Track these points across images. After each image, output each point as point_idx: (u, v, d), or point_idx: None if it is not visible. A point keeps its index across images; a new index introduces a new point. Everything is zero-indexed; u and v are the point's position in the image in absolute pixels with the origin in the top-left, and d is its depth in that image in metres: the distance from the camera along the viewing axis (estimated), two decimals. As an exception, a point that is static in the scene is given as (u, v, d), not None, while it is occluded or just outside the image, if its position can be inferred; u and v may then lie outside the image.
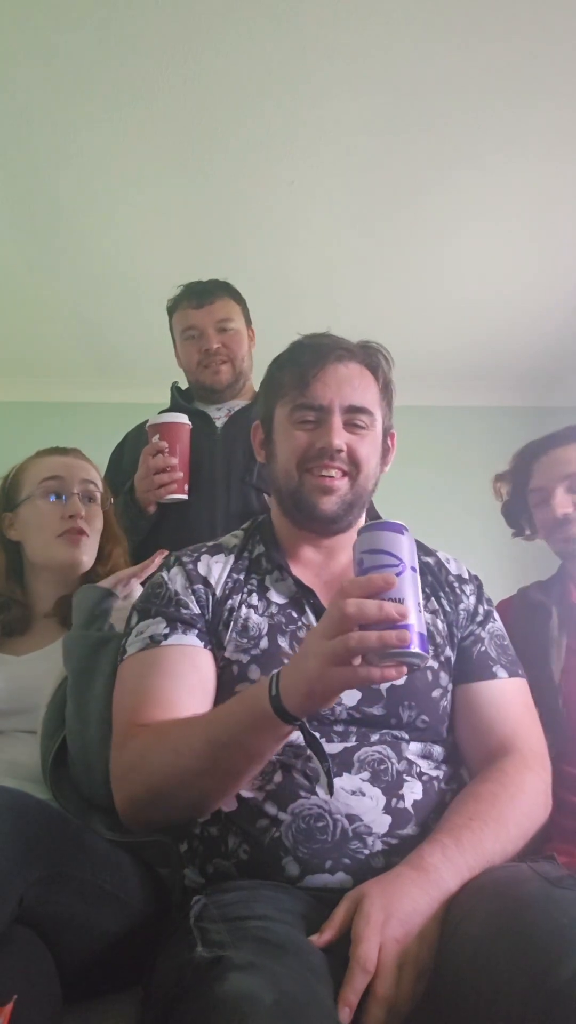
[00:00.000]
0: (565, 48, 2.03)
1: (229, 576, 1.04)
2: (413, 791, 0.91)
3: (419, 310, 3.26)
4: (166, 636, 0.97)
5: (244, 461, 1.69)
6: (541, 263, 2.95)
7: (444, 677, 1.01)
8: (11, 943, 0.71)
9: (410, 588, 0.73)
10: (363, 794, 0.88)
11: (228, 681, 0.96)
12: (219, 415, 1.80)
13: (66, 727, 1.08)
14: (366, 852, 0.85)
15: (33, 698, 1.15)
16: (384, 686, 0.95)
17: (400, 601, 0.71)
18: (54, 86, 2.15)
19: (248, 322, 1.85)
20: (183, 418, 1.65)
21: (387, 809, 0.88)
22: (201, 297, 1.78)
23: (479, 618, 1.07)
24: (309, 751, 0.89)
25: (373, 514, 1.30)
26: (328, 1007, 0.63)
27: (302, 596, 1.03)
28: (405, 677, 0.95)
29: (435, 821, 0.88)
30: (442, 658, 1.02)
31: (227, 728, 0.82)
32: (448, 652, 1.03)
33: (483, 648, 1.05)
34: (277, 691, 0.77)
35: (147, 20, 1.95)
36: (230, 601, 1.01)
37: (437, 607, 1.06)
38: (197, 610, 1.00)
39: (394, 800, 0.89)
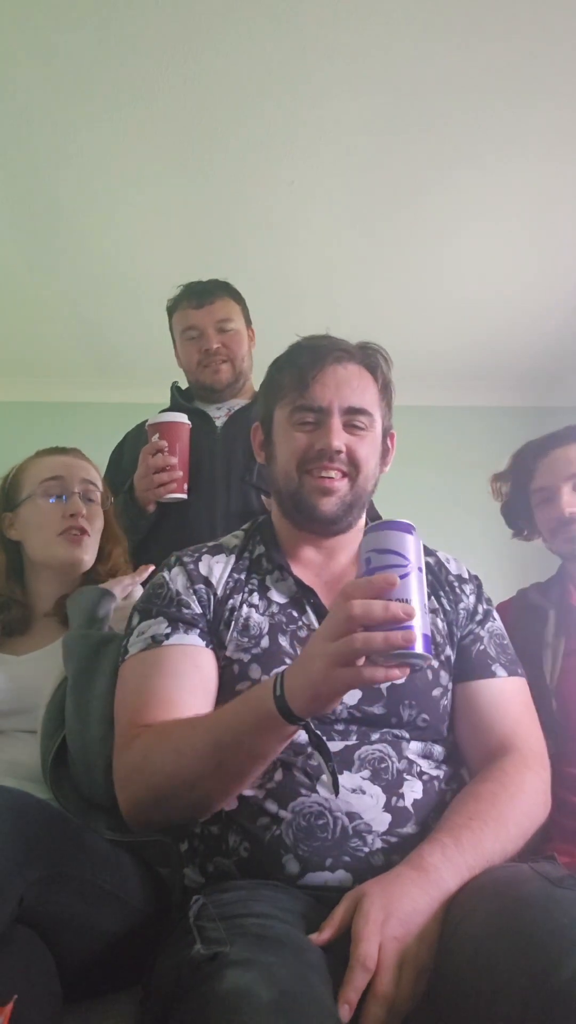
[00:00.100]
0: (565, 48, 2.04)
1: (230, 576, 1.04)
2: (413, 790, 0.91)
3: (419, 310, 3.26)
4: (168, 636, 0.97)
5: (244, 460, 1.69)
6: (541, 263, 2.95)
7: (444, 676, 1.01)
8: (11, 943, 0.71)
9: (416, 589, 0.73)
10: (363, 792, 0.88)
11: (229, 680, 0.97)
12: (219, 414, 1.80)
13: (66, 727, 1.08)
14: (366, 850, 0.85)
15: (33, 698, 1.15)
16: (384, 685, 0.95)
17: (406, 601, 0.71)
18: (54, 86, 2.15)
19: (248, 322, 1.85)
20: (183, 417, 1.66)
21: (387, 807, 0.88)
22: (201, 297, 1.78)
23: (479, 617, 1.08)
24: (310, 749, 0.90)
25: (373, 514, 1.30)
26: (327, 1004, 0.63)
27: (303, 596, 1.03)
28: (406, 676, 0.96)
29: (435, 820, 0.88)
30: (442, 657, 1.02)
31: (231, 729, 0.83)
32: (448, 651, 1.03)
33: (482, 647, 1.05)
34: (282, 691, 0.77)
35: (147, 20, 1.95)
36: (231, 600, 1.02)
37: (437, 606, 1.06)
38: (199, 610, 1.00)
39: (394, 799, 0.89)
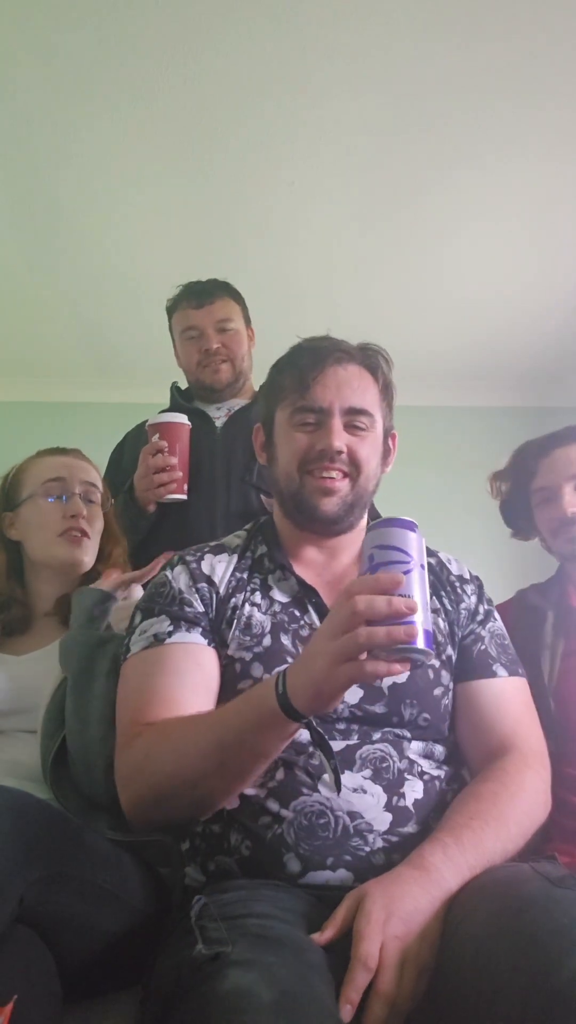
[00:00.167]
0: (565, 48, 2.04)
1: (232, 575, 1.05)
2: (414, 790, 0.91)
3: (419, 310, 3.27)
4: (170, 634, 0.97)
5: (244, 460, 1.69)
6: (541, 263, 2.95)
7: (445, 676, 1.01)
8: (11, 943, 0.71)
9: (418, 585, 0.73)
10: (364, 792, 0.88)
11: (231, 679, 0.97)
12: (219, 415, 1.80)
13: (66, 727, 1.08)
14: (367, 849, 0.86)
15: (33, 698, 1.15)
16: (386, 685, 0.96)
17: (408, 597, 0.71)
18: (54, 86, 2.16)
19: (248, 321, 1.85)
20: (182, 418, 1.65)
21: (388, 807, 0.88)
22: (201, 297, 1.78)
23: (480, 617, 1.08)
24: (311, 748, 0.90)
25: (374, 515, 1.30)
26: (328, 1004, 0.63)
27: (305, 595, 1.04)
28: (407, 676, 0.96)
29: (436, 820, 0.89)
30: (443, 657, 1.02)
31: (233, 728, 0.83)
32: (449, 651, 1.04)
33: (483, 647, 1.05)
34: (284, 689, 0.77)
35: (147, 20, 1.96)
36: (233, 599, 1.02)
37: (439, 606, 1.07)
38: (201, 608, 1.01)
39: (395, 798, 0.89)
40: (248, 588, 1.04)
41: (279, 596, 1.03)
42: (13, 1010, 0.63)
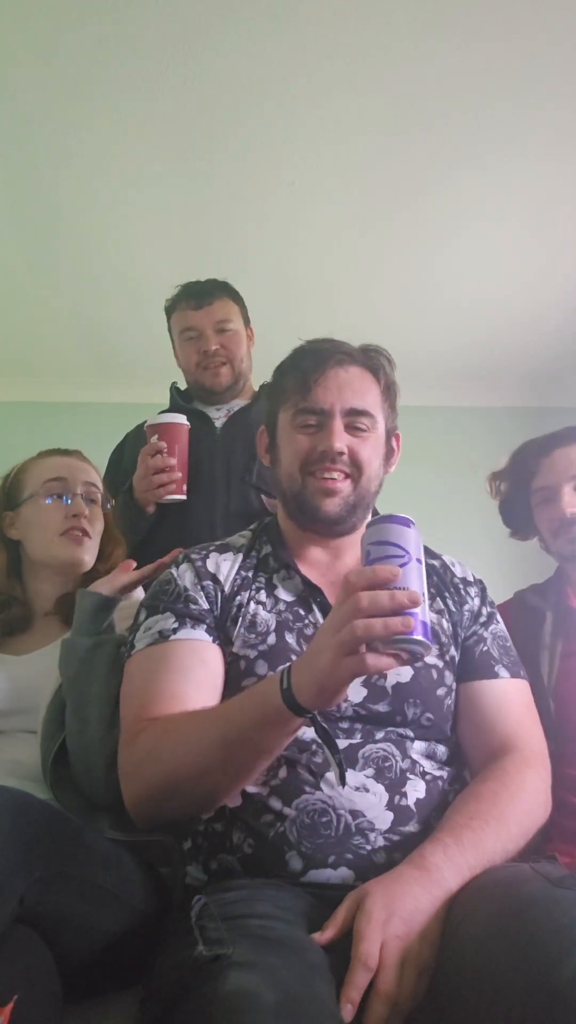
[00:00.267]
0: (565, 48, 2.04)
1: (238, 573, 1.05)
2: (416, 789, 0.91)
3: (419, 310, 3.26)
4: (175, 631, 0.98)
5: (244, 461, 1.69)
6: (541, 263, 2.95)
7: (448, 676, 1.02)
8: (11, 943, 0.71)
9: (415, 578, 0.74)
10: (367, 790, 0.89)
11: (235, 676, 0.97)
12: (218, 415, 1.80)
13: (66, 727, 1.08)
14: (368, 848, 0.86)
15: (33, 698, 1.15)
16: (390, 684, 0.96)
17: (407, 590, 0.72)
18: (54, 86, 2.16)
19: (247, 322, 1.85)
20: (181, 418, 1.65)
21: (390, 806, 0.88)
22: (200, 298, 1.78)
23: (483, 619, 1.08)
24: (314, 746, 0.90)
25: (375, 515, 1.30)
26: (329, 1005, 0.63)
27: (309, 594, 1.04)
28: (411, 676, 0.96)
29: (437, 820, 0.89)
30: (447, 657, 1.03)
31: (237, 724, 0.83)
32: (452, 651, 1.04)
33: (486, 648, 1.05)
34: (288, 684, 0.77)
35: (147, 20, 1.96)
36: (239, 597, 1.02)
37: (442, 607, 1.07)
38: (206, 606, 1.01)
39: (397, 797, 0.89)
40: (253, 587, 1.04)
41: (284, 595, 1.04)
42: (13, 1010, 0.63)
